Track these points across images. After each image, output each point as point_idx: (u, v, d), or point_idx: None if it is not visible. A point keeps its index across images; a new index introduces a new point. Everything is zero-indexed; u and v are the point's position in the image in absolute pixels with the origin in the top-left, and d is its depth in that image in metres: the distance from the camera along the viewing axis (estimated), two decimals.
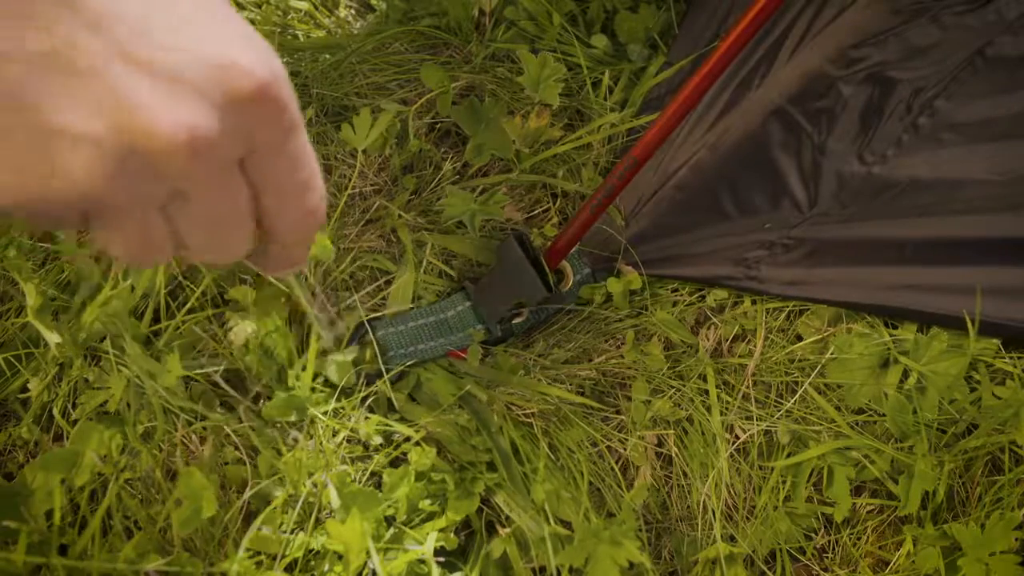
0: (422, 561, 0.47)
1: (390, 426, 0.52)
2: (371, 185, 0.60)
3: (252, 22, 0.66)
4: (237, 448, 0.49)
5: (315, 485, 0.48)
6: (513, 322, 0.58)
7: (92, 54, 0.27)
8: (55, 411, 0.50)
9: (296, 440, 0.50)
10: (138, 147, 0.28)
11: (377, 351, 0.56)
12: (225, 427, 0.48)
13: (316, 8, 0.67)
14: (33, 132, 0.27)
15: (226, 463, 0.48)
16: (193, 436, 0.49)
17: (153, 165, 0.28)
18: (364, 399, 0.53)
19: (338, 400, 0.52)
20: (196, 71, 0.28)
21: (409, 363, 0.55)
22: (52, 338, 0.49)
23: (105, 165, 0.28)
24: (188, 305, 0.54)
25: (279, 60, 0.30)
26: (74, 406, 0.50)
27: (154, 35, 0.28)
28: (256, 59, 0.29)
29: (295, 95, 0.30)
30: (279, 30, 0.65)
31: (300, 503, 0.47)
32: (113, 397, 0.48)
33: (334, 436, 0.51)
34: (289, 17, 0.67)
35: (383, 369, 0.55)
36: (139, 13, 0.28)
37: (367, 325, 0.56)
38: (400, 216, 0.59)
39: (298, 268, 0.35)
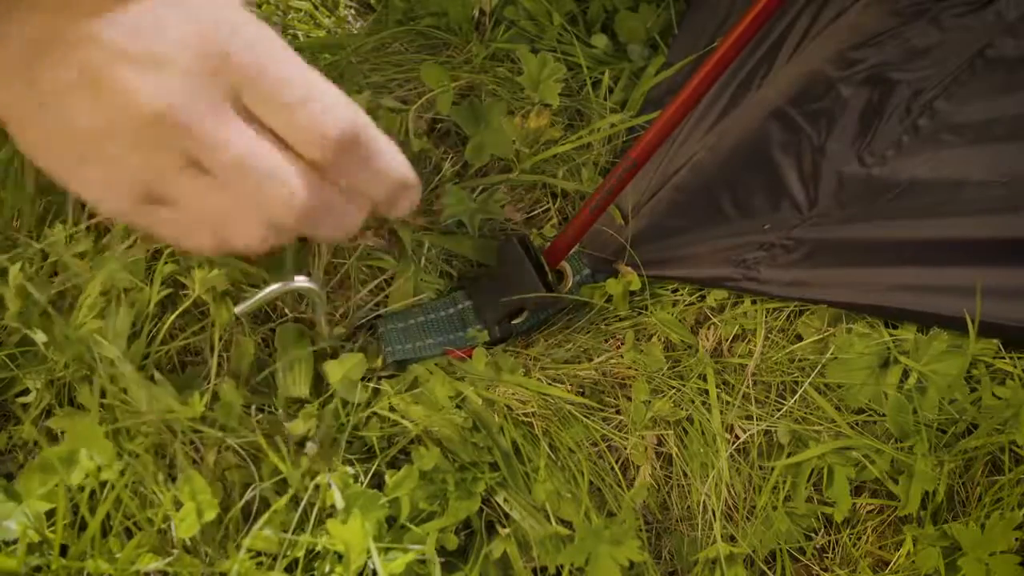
0: (422, 561, 0.47)
1: (393, 425, 0.52)
2: None
3: None
4: (239, 452, 0.49)
5: (317, 487, 0.48)
6: (513, 322, 0.58)
7: (99, 62, 0.37)
8: (52, 412, 0.50)
9: (302, 444, 0.50)
10: (132, 122, 0.36)
11: (377, 350, 0.56)
12: (228, 440, 0.48)
13: (316, 8, 0.67)
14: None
15: (226, 469, 0.48)
16: (195, 440, 0.49)
17: (150, 135, 0.37)
18: (367, 403, 0.53)
19: (343, 406, 0.52)
20: (167, 51, 0.36)
21: (406, 360, 0.55)
22: (39, 337, 0.49)
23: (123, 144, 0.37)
24: (183, 307, 0.54)
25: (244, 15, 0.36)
26: (71, 401, 0.50)
27: (141, 35, 0.36)
28: (209, 28, 0.35)
29: (270, 38, 0.35)
30: (280, 30, 0.65)
31: (303, 505, 0.47)
32: (94, 413, 0.48)
33: (335, 441, 0.51)
34: (289, 17, 0.66)
35: (387, 370, 0.55)
36: (131, 25, 0.36)
37: (377, 323, 0.56)
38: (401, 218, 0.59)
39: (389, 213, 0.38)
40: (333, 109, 0.38)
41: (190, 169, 0.37)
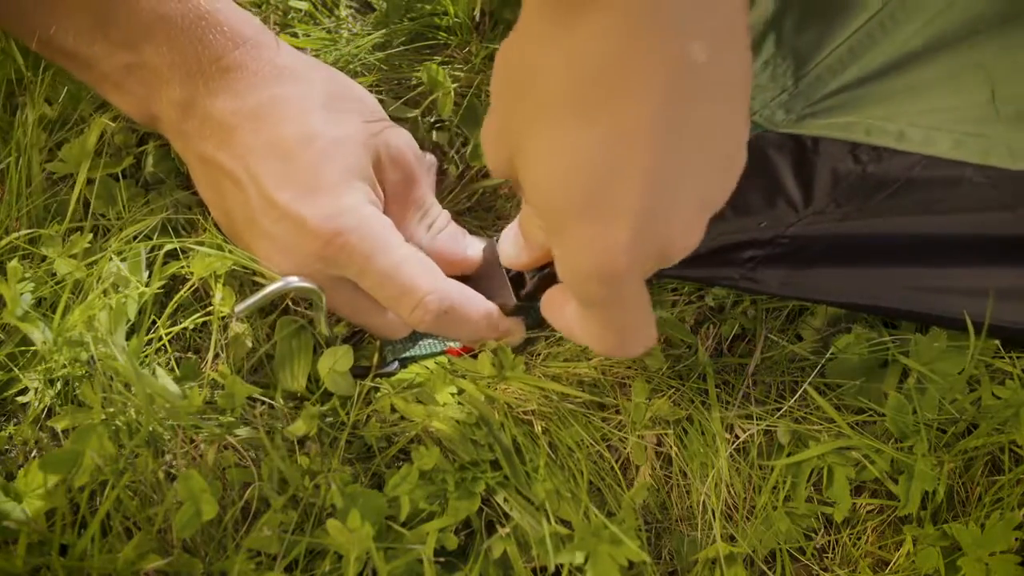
0: (421, 561, 0.47)
1: (393, 424, 0.52)
2: None
3: None
4: (239, 450, 0.49)
5: (317, 486, 0.48)
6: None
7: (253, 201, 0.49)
8: (55, 410, 0.50)
9: (302, 443, 0.50)
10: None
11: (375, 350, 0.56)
12: (228, 437, 0.48)
13: (316, 8, 0.67)
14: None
15: (226, 467, 0.48)
16: (195, 438, 0.49)
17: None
18: (367, 403, 0.53)
19: (342, 405, 0.52)
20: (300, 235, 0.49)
21: (406, 358, 0.55)
22: (37, 336, 0.49)
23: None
24: (177, 299, 0.54)
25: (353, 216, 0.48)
26: (73, 400, 0.50)
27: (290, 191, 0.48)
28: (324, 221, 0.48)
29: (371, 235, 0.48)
30: (279, 30, 0.65)
31: (302, 504, 0.47)
32: (96, 411, 0.48)
33: (335, 441, 0.51)
34: (289, 17, 0.67)
35: (387, 369, 0.55)
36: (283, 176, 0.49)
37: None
38: None
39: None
40: (422, 305, 0.50)
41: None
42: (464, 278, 0.55)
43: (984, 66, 0.46)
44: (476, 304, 0.52)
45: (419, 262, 0.50)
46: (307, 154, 0.47)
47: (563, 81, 0.30)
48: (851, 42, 0.49)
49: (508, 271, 0.54)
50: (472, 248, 0.55)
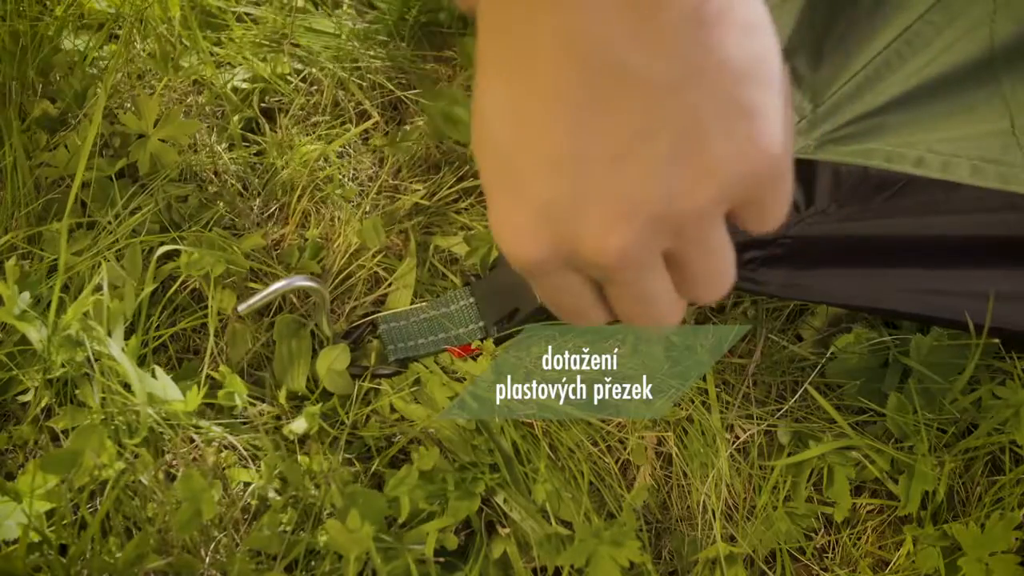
0: (422, 561, 0.47)
1: (392, 427, 0.52)
2: (377, 184, 0.60)
3: (253, 21, 0.66)
4: (238, 449, 0.49)
5: (317, 486, 0.48)
6: (513, 320, 0.57)
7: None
8: (54, 410, 0.50)
9: (302, 443, 0.50)
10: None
11: (378, 349, 0.56)
12: (229, 437, 0.48)
13: (316, 7, 0.67)
14: None
15: (226, 467, 0.48)
16: (195, 438, 0.49)
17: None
18: (367, 403, 0.53)
19: (342, 404, 0.52)
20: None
21: (407, 357, 0.55)
22: (33, 335, 0.49)
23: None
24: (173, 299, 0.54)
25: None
26: (71, 400, 0.50)
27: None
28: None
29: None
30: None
31: (302, 504, 0.47)
32: (95, 410, 0.48)
33: (335, 441, 0.51)
34: (289, 18, 0.66)
35: (389, 368, 0.55)
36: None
37: (374, 324, 0.56)
38: (407, 218, 0.59)
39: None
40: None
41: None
42: (492, 275, 0.55)
43: (1003, 96, 0.46)
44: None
45: None
46: None
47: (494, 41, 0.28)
48: (867, 71, 0.49)
49: None
50: None
